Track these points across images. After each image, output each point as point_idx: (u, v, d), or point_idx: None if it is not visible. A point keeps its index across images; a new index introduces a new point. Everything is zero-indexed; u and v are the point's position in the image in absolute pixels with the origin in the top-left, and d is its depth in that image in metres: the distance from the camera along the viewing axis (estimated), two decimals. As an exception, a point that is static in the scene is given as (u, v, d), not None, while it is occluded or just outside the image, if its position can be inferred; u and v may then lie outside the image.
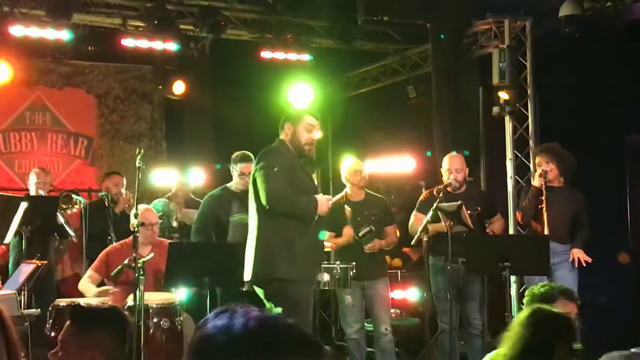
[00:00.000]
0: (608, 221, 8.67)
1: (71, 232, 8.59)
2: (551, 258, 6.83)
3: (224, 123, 11.99)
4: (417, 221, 7.45)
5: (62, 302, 6.70)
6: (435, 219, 7.07)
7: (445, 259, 7.10)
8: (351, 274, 7.26)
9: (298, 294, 5.63)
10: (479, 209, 7.36)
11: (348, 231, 7.62)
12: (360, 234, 7.52)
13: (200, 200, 9.50)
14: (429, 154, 10.38)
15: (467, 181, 7.76)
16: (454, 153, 7.87)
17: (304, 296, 5.69)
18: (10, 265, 8.51)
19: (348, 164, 7.94)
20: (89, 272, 7.25)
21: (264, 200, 5.62)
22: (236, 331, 1.57)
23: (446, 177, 7.60)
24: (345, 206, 7.71)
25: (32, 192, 8.74)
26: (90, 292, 6.96)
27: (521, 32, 9.58)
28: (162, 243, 7.20)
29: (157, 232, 7.37)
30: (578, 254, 7.32)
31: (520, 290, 8.68)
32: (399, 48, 11.43)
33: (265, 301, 5.71)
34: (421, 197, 7.82)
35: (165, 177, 10.34)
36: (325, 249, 7.72)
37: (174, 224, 8.88)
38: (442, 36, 10.03)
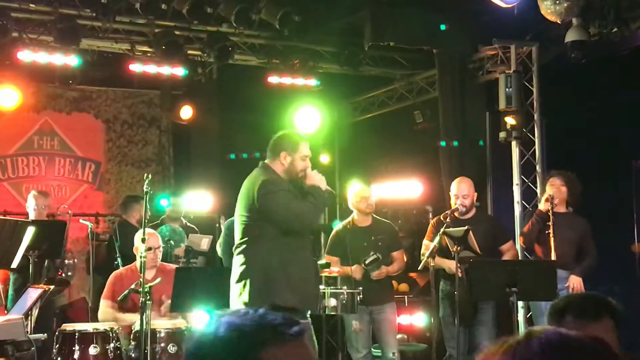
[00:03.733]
0: (615, 247, 8.65)
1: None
2: (557, 284, 6.81)
3: (231, 148, 12.03)
4: (428, 249, 7.43)
5: (69, 327, 6.70)
6: (442, 245, 7.06)
7: (452, 283, 7.09)
8: (358, 299, 7.25)
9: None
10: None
11: (355, 270, 7.60)
12: (366, 262, 7.52)
13: (193, 226, 9.54)
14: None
15: (475, 206, 7.74)
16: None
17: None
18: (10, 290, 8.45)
19: (355, 190, 7.94)
20: (104, 302, 7.24)
21: (281, 222, 5.59)
22: (207, 340, 1.60)
23: (453, 202, 7.59)
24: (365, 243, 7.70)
25: (31, 216, 8.70)
26: (126, 319, 6.98)
27: (527, 58, 9.61)
28: (167, 268, 7.21)
29: (159, 256, 7.38)
30: (575, 282, 7.29)
31: (528, 316, 8.65)
32: (406, 73, 11.47)
33: None
34: (430, 225, 7.80)
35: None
36: (332, 274, 7.73)
37: (182, 246, 8.86)
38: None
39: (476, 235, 7.13)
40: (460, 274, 6.91)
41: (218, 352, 1.58)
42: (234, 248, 5.77)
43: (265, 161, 5.85)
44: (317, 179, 5.70)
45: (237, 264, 5.67)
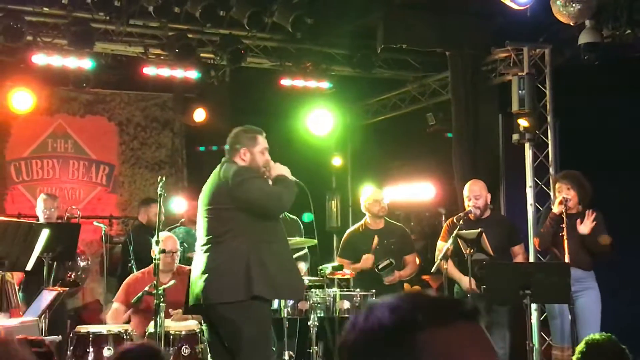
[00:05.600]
0: (631, 248, 8.62)
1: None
2: (573, 285, 6.79)
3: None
4: (441, 252, 7.45)
5: (83, 328, 6.73)
6: (455, 247, 7.07)
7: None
8: (371, 301, 7.26)
9: (267, 313, 5.69)
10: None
11: (367, 258, 7.63)
12: (380, 267, 7.54)
13: None
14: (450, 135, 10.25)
15: (489, 207, 7.74)
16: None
17: (268, 315, 5.75)
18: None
19: (367, 194, 7.96)
20: (115, 304, 7.29)
21: (259, 205, 5.60)
22: (362, 325, 1.48)
23: (466, 204, 7.59)
24: (376, 236, 7.73)
25: (41, 219, 8.74)
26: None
27: (540, 60, 9.59)
28: (183, 270, 7.22)
29: (177, 260, 7.40)
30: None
31: (542, 318, 8.64)
32: (418, 76, 11.46)
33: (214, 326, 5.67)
34: (445, 225, 7.80)
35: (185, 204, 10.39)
36: (345, 276, 7.74)
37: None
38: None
39: (490, 236, 7.12)
40: (474, 289, 6.92)
41: (373, 335, 1.45)
42: (202, 243, 5.70)
43: (226, 158, 5.87)
44: (282, 170, 5.75)
45: (210, 256, 5.61)
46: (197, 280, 5.59)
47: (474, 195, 7.56)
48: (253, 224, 5.58)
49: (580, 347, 3.91)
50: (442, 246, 7.49)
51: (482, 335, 1.49)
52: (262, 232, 5.61)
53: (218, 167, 5.87)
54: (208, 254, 5.60)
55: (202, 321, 5.95)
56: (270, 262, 5.56)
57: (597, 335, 3.96)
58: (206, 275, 5.53)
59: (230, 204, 5.57)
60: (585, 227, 7.22)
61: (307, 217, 11.87)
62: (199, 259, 5.66)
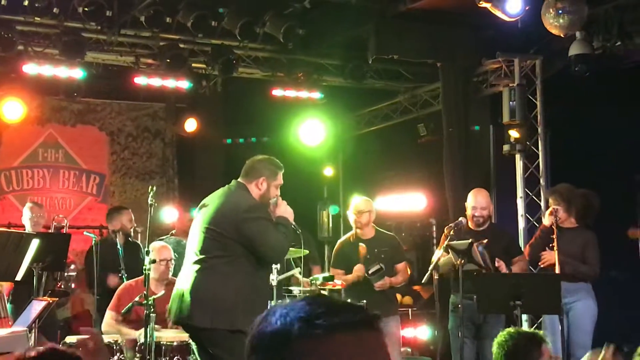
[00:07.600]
0: (619, 260, 8.64)
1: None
2: (564, 297, 6.80)
3: (236, 160, 12.04)
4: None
5: (72, 339, 6.70)
6: (446, 258, 7.06)
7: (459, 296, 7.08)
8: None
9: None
10: (485, 241, 7.24)
11: (358, 268, 7.62)
12: (370, 272, 7.52)
13: None
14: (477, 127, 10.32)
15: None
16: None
17: None
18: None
19: (352, 203, 7.97)
20: (109, 313, 7.25)
21: (257, 249, 5.54)
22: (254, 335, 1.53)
23: (469, 213, 7.51)
24: (360, 244, 7.72)
25: (28, 227, 8.71)
26: (129, 332, 6.94)
27: (531, 71, 9.62)
28: (173, 281, 7.20)
29: (171, 269, 7.37)
30: (546, 254, 7.24)
31: (532, 329, 8.63)
32: (410, 86, 11.49)
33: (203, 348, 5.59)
34: (443, 235, 7.75)
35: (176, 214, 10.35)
36: (336, 287, 7.72)
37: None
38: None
39: (489, 248, 7.11)
40: (458, 263, 6.85)
41: (260, 338, 1.51)
42: (194, 260, 5.63)
43: (240, 180, 5.82)
44: (287, 212, 5.73)
45: (200, 277, 5.54)
46: (183, 296, 5.53)
47: (480, 206, 7.50)
48: (248, 257, 5.55)
49: (496, 351, 3.93)
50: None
51: (364, 347, 1.46)
52: (254, 267, 5.58)
53: (230, 187, 5.83)
54: (197, 273, 5.54)
55: (189, 337, 5.89)
56: (254, 298, 5.52)
57: (502, 332, 4.01)
58: (193, 295, 5.47)
59: (233, 234, 5.53)
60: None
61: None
62: (188, 274, 5.60)
